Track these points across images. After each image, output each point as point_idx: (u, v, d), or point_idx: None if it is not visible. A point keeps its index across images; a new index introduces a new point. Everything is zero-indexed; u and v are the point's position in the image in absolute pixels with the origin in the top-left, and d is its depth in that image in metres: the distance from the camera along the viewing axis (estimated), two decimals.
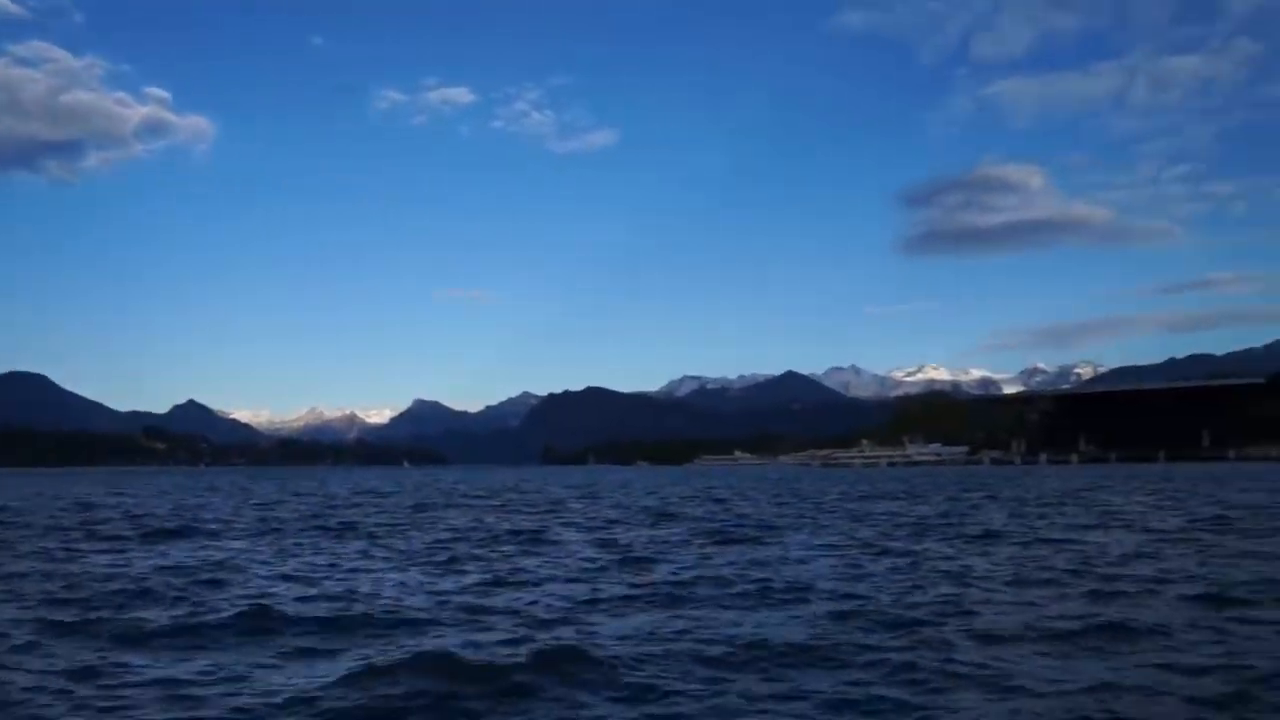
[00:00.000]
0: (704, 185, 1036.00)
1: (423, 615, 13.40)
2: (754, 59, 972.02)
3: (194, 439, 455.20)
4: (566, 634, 12.07)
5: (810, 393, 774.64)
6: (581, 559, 20.97)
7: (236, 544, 25.05)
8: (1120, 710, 8.55)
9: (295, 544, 24.94)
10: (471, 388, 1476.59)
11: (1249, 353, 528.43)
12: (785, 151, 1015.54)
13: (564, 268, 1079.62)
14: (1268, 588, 15.53)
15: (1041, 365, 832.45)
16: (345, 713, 8.74)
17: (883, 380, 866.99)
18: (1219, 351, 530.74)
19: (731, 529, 29.34)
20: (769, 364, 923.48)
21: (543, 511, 40.61)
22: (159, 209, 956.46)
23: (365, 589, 16.13)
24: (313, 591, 15.88)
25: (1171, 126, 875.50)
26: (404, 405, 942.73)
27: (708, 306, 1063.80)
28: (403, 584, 16.88)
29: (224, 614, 13.38)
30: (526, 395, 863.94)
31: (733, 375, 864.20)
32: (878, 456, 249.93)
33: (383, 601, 14.72)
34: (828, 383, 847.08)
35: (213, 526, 31.45)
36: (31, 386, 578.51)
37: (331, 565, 19.88)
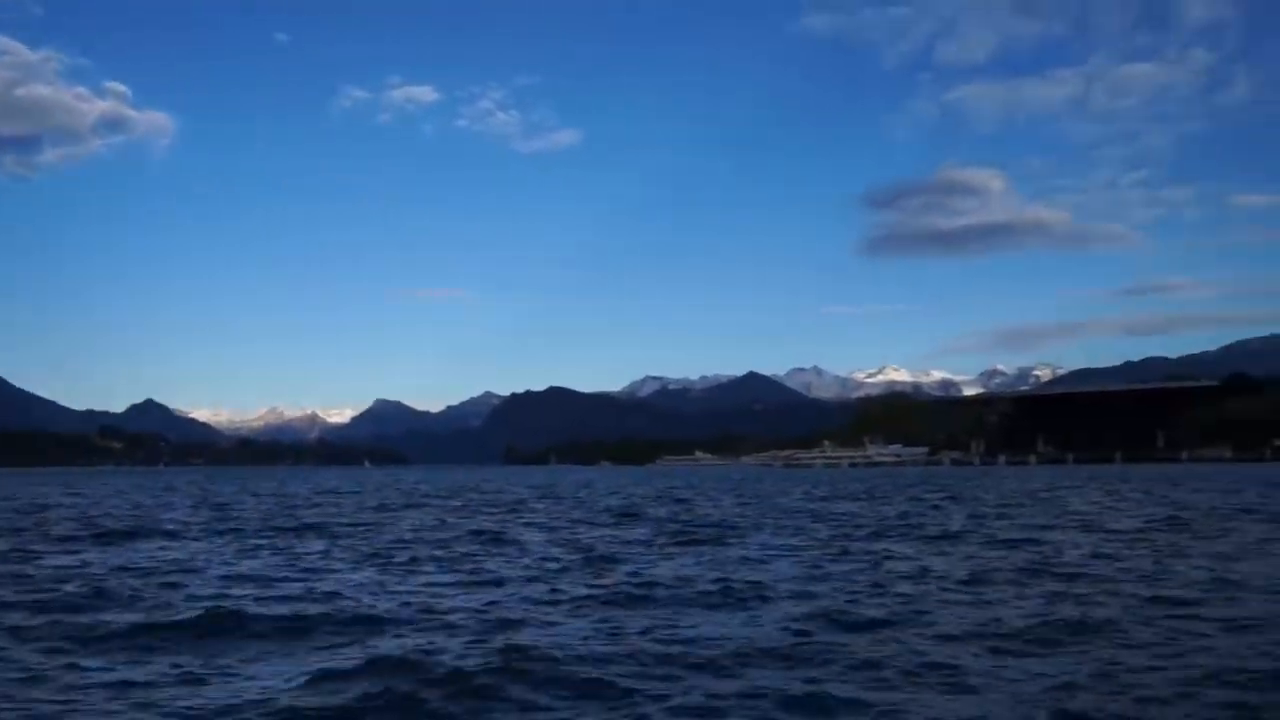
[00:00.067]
0: (667, 186, 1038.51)
1: (383, 615, 13.33)
2: (719, 61, 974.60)
3: (152, 438, 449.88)
4: (528, 634, 12.05)
5: (772, 393, 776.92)
6: (543, 559, 20.94)
7: (194, 545, 24.82)
8: (1076, 708, 8.65)
9: (254, 545, 24.73)
10: (433, 387, 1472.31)
11: (1203, 356, 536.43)
12: (749, 153, 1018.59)
13: (527, 268, 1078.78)
14: (1218, 586, 15.78)
15: (1001, 367, 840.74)
16: (304, 714, 8.68)
17: (844, 381, 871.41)
18: (1174, 355, 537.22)
19: (694, 529, 29.40)
20: (731, 365, 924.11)
21: (504, 511, 40.52)
22: (118, 205, 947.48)
23: (325, 589, 16.01)
24: (272, 592, 15.76)
25: (1129, 132, 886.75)
26: (365, 405, 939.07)
27: (670, 307, 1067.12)
28: (363, 584, 16.78)
29: (182, 615, 13.25)
30: (488, 395, 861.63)
31: (695, 376, 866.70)
32: (839, 457, 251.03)
33: (343, 602, 14.62)
34: (789, 383, 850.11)
35: (170, 527, 31.13)
36: None
37: (291, 566, 19.73)
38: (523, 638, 11.76)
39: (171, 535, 27.85)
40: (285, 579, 17.54)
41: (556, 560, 20.68)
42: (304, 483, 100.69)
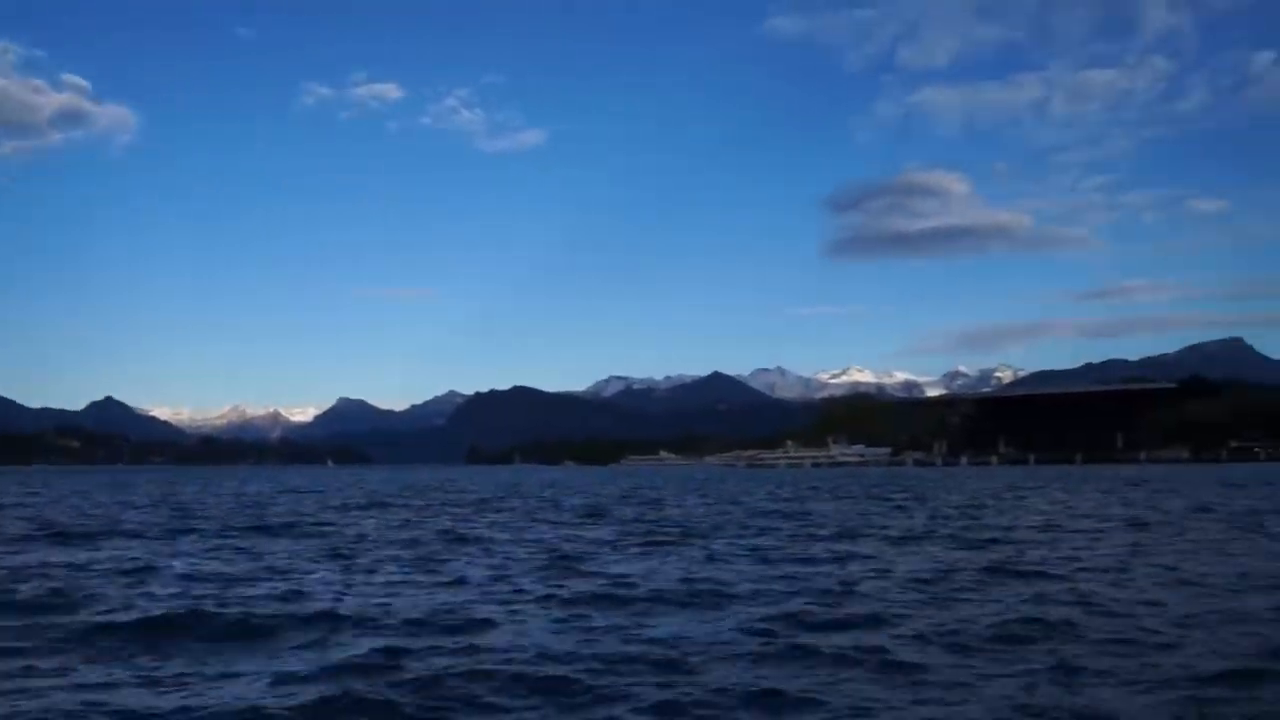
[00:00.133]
0: (632, 186, 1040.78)
1: (345, 616, 13.20)
2: (684, 62, 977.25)
3: (112, 437, 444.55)
4: (491, 635, 12.01)
5: (736, 394, 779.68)
6: (507, 559, 20.87)
7: (154, 544, 24.52)
8: (1038, 706, 8.71)
9: (215, 545, 24.49)
10: (397, 386, 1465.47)
11: (1162, 358, 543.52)
12: (713, 154, 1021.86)
13: (492, 267, 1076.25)
14: (1176, 585, 15.98)
15: (963, 369, 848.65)
16: (265, 716, 8.59)
17: (808, 382, 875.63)
18: (1133, 357, 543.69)
19: (658, 529, 29.42)
20: (695, 365, 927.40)
21: (469, 511, 40.34)
22: (76, 199, 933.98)
23: (287, 589, 15.88)
24: (232, 593, 15.59)
25: (1089, 138, 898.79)
26: (328, 404, 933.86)
27: (635, 307, 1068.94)
28: (325, 584, 16.64)
29: (141, 615, 13.09)
30: (452, 394, 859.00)
31: (659, 376, 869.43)
32: (802, 457, 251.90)
33: (305, 603, 14.50)
34: (753, 384, 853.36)
35: (130, 527, 30.76)
36: None
37: (252, 566, 19.54)
38: (486, 638, 11.73)
39: (131, 535, 27.51)
40: (246, 579, 17.36)
41: (521, 560, 20.61)
42: (266, 482, 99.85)
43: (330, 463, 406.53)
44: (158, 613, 13.26)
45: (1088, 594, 15.17)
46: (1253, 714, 8.52)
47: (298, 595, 15.33)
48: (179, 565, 19.56)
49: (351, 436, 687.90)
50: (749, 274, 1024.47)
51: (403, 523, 32.92)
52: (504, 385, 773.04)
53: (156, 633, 12.13)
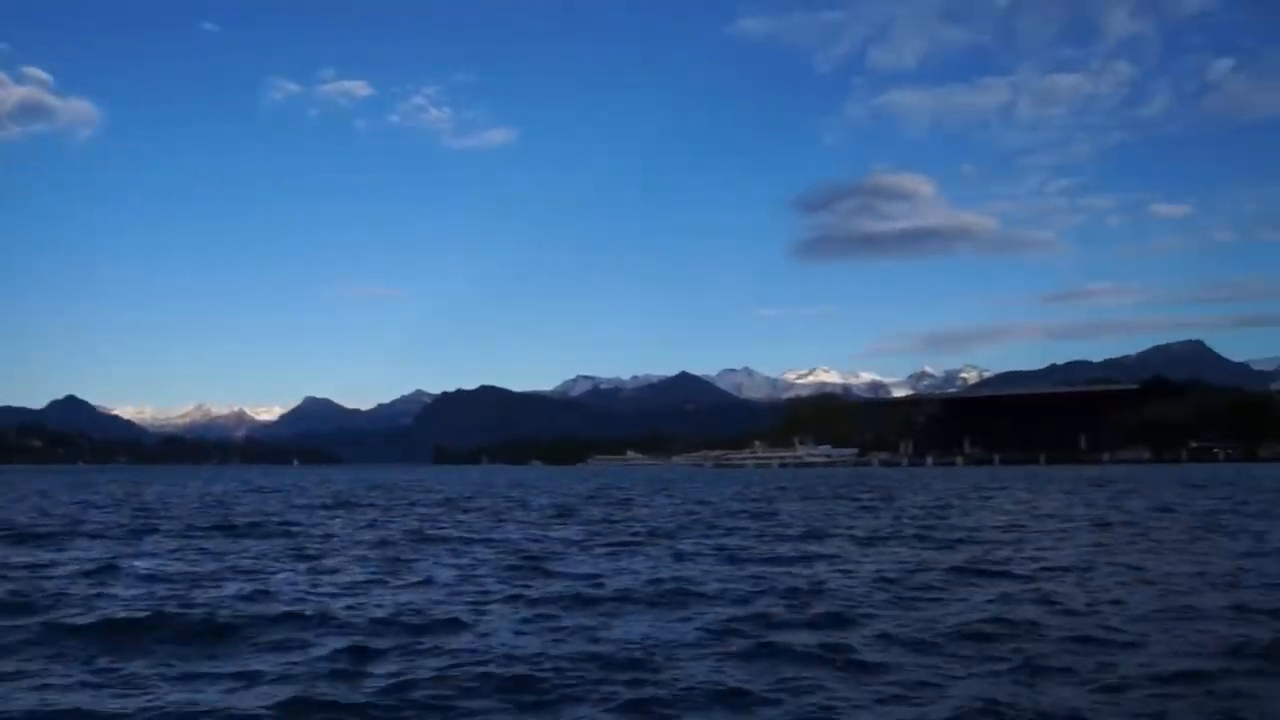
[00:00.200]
0: (600, 186, 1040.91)
1: (310, 617, 13.11)
2: (654, 63, 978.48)
3: (73, 436, 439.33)
4: (458, 635, 11.97)
5: (703, 394, 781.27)
6: (474, 559, 20.80)
7: (116, 545, 24.25)
8: (1003, 705, 8.78)
9: (178, 545, 24.26)
10: (363, 386, 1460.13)
11: (1124, 360, 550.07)
12: (682, 154, 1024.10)
13: (459, 266, 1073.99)
14: (1139, 585, 16.14)
15: (929, 369, 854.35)
16: (229, 719, 8.53)
17: (775, 382, 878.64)
18: (1097, 359, 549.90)
19: (626, 529, 29.41)
20: (663, 365, 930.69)
21: (436, 511, 40.18)
22: (38, 194, 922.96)
23: (251, 590, 15.75)
24: (195, 594, 15.44)
25: (1054, 142, 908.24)
26: (294, 403, 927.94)
27: (602, 307, 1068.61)
28: (290, 585, 16.52)
29: (101, 617, 12.95)
30: (419, 394, 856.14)
31: (627, 376, 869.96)
32: (769, 457, 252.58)
33: (269, 604, 14.39)
34: (721, 384, 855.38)
35: (91, 527, 30.40)
36: None
37: (216, 567, 19.37)
38: (454, 638, 11.69)
39: (93, 535, 27.20)
40: (211, 580, 17.21)
41: (488, 560, 20.55)
42: (231, 481, 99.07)
43: (296, 462, 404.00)
44: (120, 614, 13.13)
45: (1051, 593, 15.31)
46: (1211, 711, 8.62)
47: (263, 596, 15.22)
48: (142, 566, 19.36)
49: (317, 436, 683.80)
50: (717, 274, 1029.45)
51: (370, 523, 32.75)
52: (471, 385, 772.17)
53: (119, 634, 12.01)
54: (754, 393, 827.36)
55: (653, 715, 8.70)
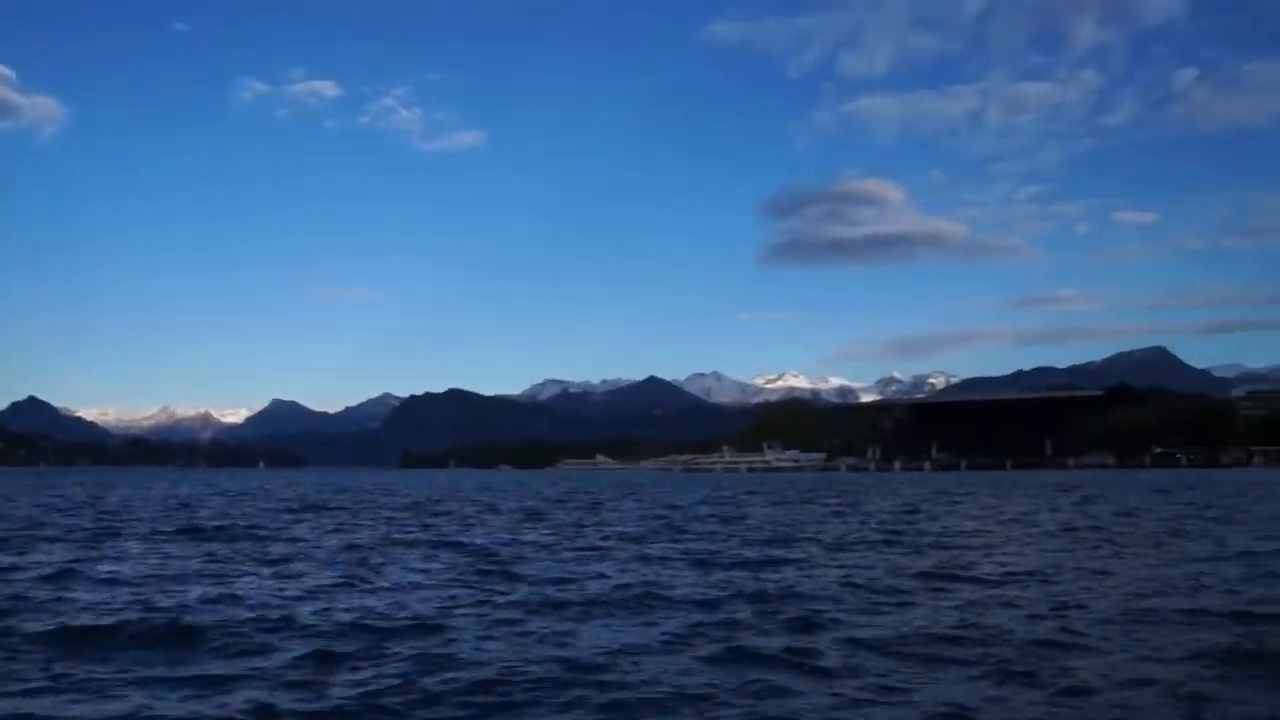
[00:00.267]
0: (570, 189, 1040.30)
1: (275, 622, 12.99)
2: (625, 66, 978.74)
3: (35, 438, 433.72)
4: (424, 640, 11.90)
5: (672, 398, 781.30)
6: (442, 563, 20.71)
7: (77, 549, 23.95)
8: (970, 710, 8.82)
9: (141, 549, 24.00)
10: (331, 388, 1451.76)
11: (1089, 366, 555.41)
12: (653, 158, 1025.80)
13: (427, 268, 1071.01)
14: (1104, 593, 16.27)
15: (897, 375, 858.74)
16: None
17: (744, 387, 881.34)
18: (1062, 365, 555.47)
19: (593, 534, 29.38)
20: (632, 369, 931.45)
21: (404, 515, 39.99)
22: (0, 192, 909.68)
23: (215, 594, 15.60)
24: (159, 599, 15.26)
25: (1023, 149, 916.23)
26: (261, 405, 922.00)
27: (571, 310, 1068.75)
28: (255, 590, 16.37)
29: (60, 624, 12.79)
30: (387, 397, 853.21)
31: (595, 380, 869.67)
32: (738, 462, 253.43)
33: (233, 609, 14.24)
34: (689, 388, 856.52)
35: (50, 531, 30.02)
36: None
37: (182, 571, 19.16)
38: (421, 643, 11.62)
39: (54, 539, 26.85)
40: (174, 584, 17.04)
41: (456, 565, 20.46)
42: (196, 484, 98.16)
43: (262, 465, 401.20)
44: (82, 619, 12.98)
45: (1017, 598, 15.41)
46: (1173, 715, 8.70)
47: (228, 600, 15.06)
48: (104, 570, 19.12)
49: (284, 439, 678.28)
50: (686, 278, 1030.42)
51: (337, 526, 32.53)
52: (439, 388, 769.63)
53: (80, 640, 11.85)
54: (723, 397, 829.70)
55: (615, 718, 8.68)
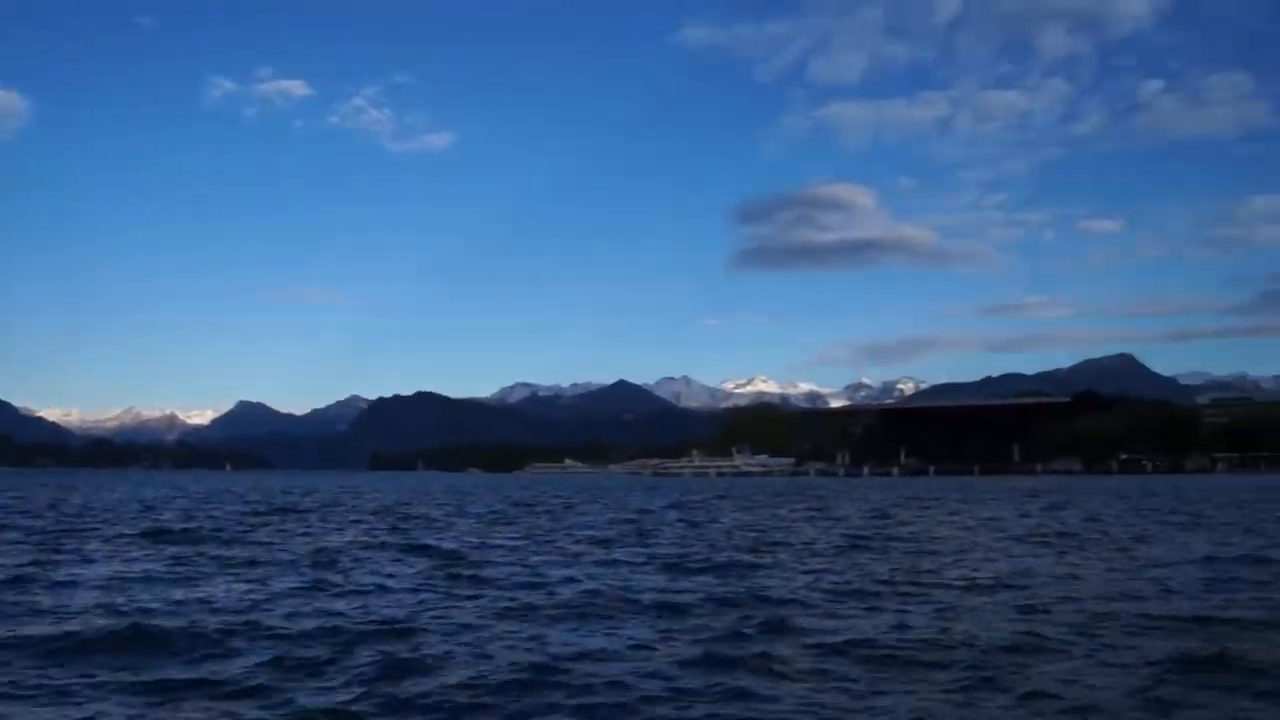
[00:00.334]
0: (540, 192, 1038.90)
1: (238, 628, 12.85)
2: (596, 70, 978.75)
3: None
4: (390, 646, 11.80)
5: (642, 402, 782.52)
6: (410, 567, 20.59)
7: (35, 552, 23.62)
8: (935, 717, 8.84)
9: (102, 553, 23.71)
10: (298, 390, 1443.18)
11: (1056, 373, 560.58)
12: (622, 162, 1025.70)
13: (396, 269, 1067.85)
14: (1072, 598, 16.38)
15: (866, 380, 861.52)
16: None
17: (713, 391, 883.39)
18: (1030, 371, 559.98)
19: (563, 538, 29.30)
20: (601, 373, 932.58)
21: (372, 518, 39.74)
22: None
23: (176, 599, 15.43)
24: (119, 604, 15.06)
25: (991, 156, 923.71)
26: (227, 406, 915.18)
27: (541, 313, 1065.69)
28: (223, 594, 16.20)
29: (16, 631, 12.62)
30: (355, 399, 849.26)
31: (565, 383, 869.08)
32: (707, 466, 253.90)
33: (195, 615, 14.08)
34: (659, 392, 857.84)
35: (11, 535, 29.60)
36: None
37: (142, 576, 18.94)
38: (389, 648, 11.52)
39: (10, 542, 26.49)
40: (137, 589, 16.84)
41: (425, 569, 20.33)
42: (161, 486, 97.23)
43: (229, 467, 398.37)
44: (42, 624, 12.80)
45: (984, 604, 15.48)
46: (1139, 718, 8.77)
47: (193, 605, 14.90)
48: (65, 574, 18.87)
49: (250, 440, 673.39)
50: (656, 283, 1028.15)
51: (305, 529, 32.29)
52: (408, 390, 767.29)
53: (39, 646, 11.66)
54: (692, 402, 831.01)
55: None
